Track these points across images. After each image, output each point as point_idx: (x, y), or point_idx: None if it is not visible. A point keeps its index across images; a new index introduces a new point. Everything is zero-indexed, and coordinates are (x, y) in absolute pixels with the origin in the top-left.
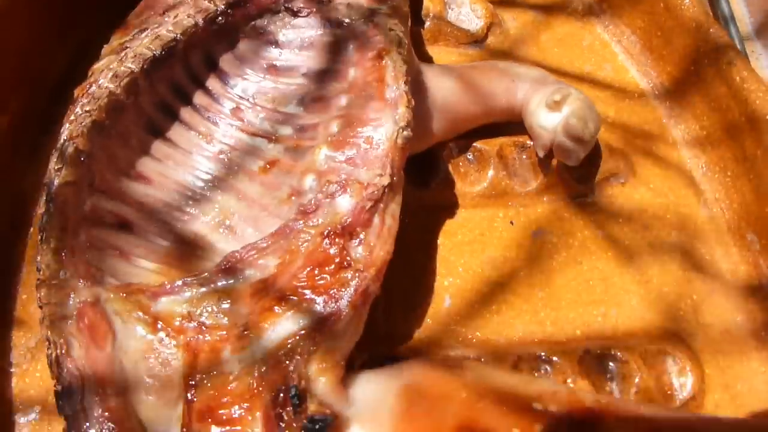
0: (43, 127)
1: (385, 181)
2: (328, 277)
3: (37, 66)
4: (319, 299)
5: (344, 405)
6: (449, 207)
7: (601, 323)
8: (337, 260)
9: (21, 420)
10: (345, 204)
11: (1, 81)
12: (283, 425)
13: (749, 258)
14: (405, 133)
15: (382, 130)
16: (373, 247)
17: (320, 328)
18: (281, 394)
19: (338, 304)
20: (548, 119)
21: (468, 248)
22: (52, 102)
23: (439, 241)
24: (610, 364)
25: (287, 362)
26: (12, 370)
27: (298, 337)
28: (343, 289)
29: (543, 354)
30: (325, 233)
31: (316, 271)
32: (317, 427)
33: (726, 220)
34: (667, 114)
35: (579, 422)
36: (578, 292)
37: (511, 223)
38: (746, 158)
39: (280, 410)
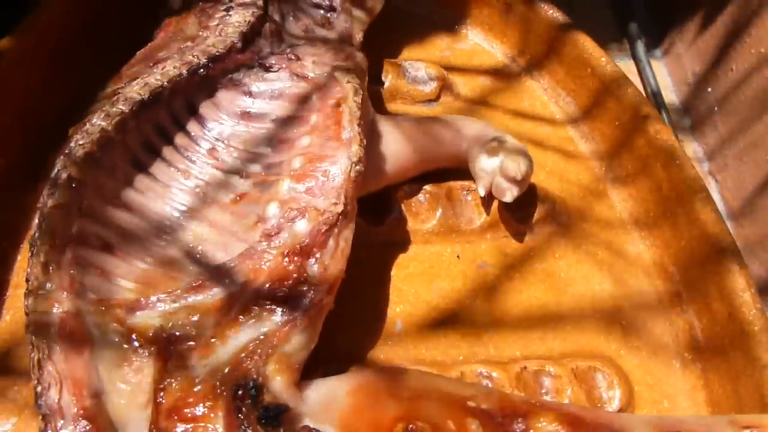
0: (36, 171)
1: (340, 208)
2: (287, 290)
3: (34, 113)
4: (278, 309)
5: (298, 402)
6: (402, 242)
7: (539, 345)
8: (294, 275)
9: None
10: (303, 227)
11: (1, 126)
12: (242, 416)
13: (672, 289)
14: (357, 167)
15: (338, 165)
16: (328, 266)
17: (278, 333)
18: (240, 390)
19: (294, 313)
20: (487, 163)
21: (418, 279)
22: (47, 148)
23: (392, 273)
24: (545, 379)
25: (247, 363)
26: None
27: (257, 342)
28: (300, 300)
29: (484, 370)
30: (285, 253)
31: (276, 285)
32: (271, 414)
33: (651, 256)
34: (598, 163)
35: (509, 415)
36: (518, 318)
37: (458, 257)
38: (663, 199)
39: (240, 403)
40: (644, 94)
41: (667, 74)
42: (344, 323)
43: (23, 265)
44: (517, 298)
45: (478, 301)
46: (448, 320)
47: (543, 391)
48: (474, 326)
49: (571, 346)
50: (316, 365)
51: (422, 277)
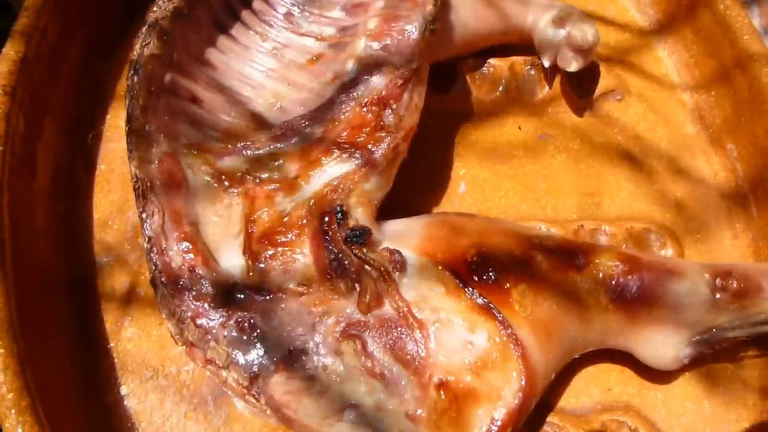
0: (116, 39)
1: (414, 65)
2: (365, 136)
3: None
4: (357, 152)
5: (377, 231)
6: (466, 112)
7: (595, 209)
8: (373, 124)
9: (103, 260)
10: (380, 81)
11: None
12: (329, 238)
13: (728, 164)
14: (432, 27)
15: (413, 25)
16: (403, 117)
17: (358, 172)
18: (326, 216)
19: (373, 155)
20: (553, 34)
21: (481, 146)
22: (124, 18)
23: (456, 140)
24: (601, 236)
25: (331, 195)
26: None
27: (340, 179)
28: (378, 145)
29: (543, 227)
30: (363, 103)
31: (355, 132)
32: (357, 233)
33: (709, 134)
34: (662, 45)
35: (570, 251)
36: (576, 185)
37: (519, 128)
38: (728, 77)
39: (326, 227)
40: None
41: None
42: (411, 183)
43: (112, 122)
44: (575, 167)
45: (538, 168)
46: (509, 184)
47: None
48: (533, 190)
49: (627, 212)
50: (385, 220)
51: (485, 145)
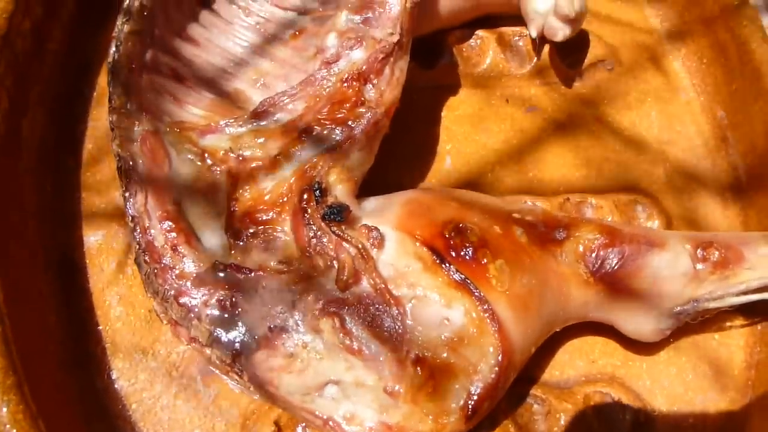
0: (106, 11)
1: (396, 38)
2: (346, 112)
3: None
4: (338, 128)
5: (356, 208)
6: (453, 86)
7: (582, 183)
8: (353, 99)
9: (91, 239)
10: (361, 55)
11: None
12: (308, 216)
13: (718, 133)
14: None
15: None
16: (384, 91)
17: (339, 148)
18: (305, 194)
19: (353, 131)
20: (541, 4)
21: (468, 120)
22: None
23: (442, 114)
24: (587, 209)
25: (311, 173)
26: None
27: (319, 155)
28: (358, 120)
29: (528, 201)
30: (344, 78)
31: (336, 108)
32: (335, 211)
33: (700, 103)
34: (654, 12)
35: (552, 226)
36: (563, 157)
37: (507, 101)
38: (718, 43)
39: (305, 205)
40: None
41: None
42: (396, 157)
43: (99, 100)
44: (562, 140)
45: (525, 141)
46: (495, 158)
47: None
48: (520, 164)
49: (614, 184)
50: (368, 195)
51: (472, 119)
